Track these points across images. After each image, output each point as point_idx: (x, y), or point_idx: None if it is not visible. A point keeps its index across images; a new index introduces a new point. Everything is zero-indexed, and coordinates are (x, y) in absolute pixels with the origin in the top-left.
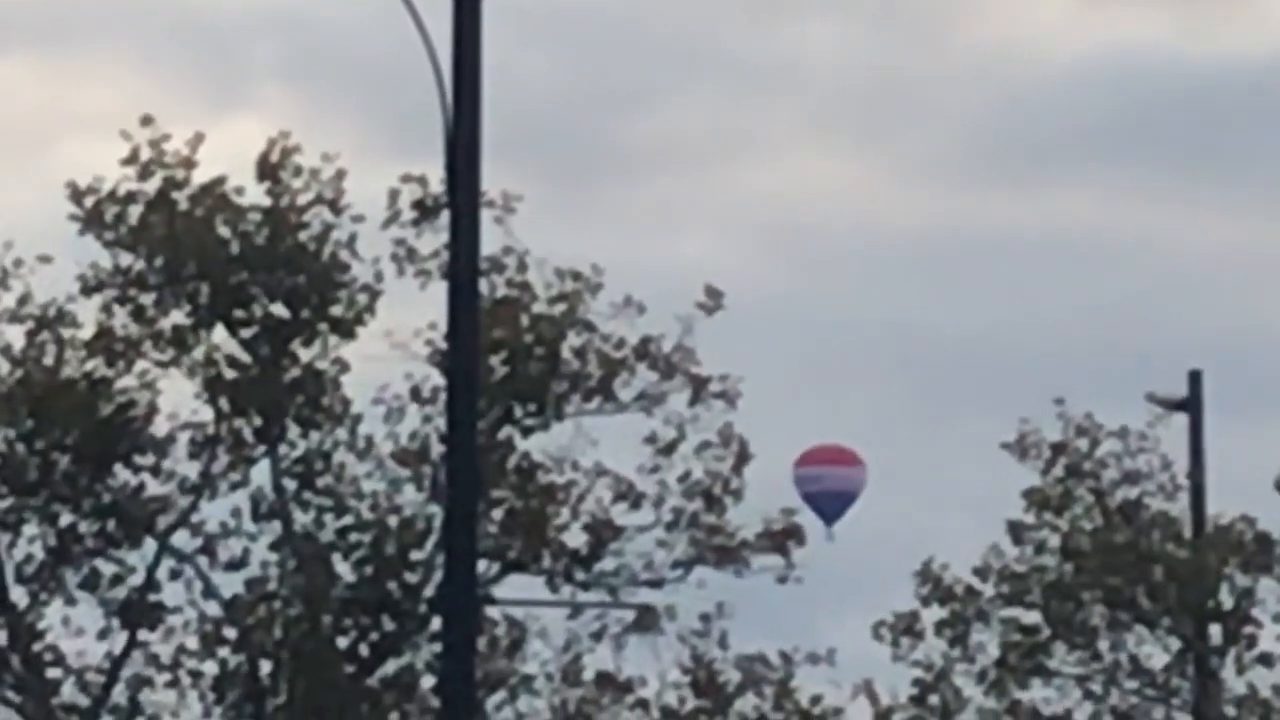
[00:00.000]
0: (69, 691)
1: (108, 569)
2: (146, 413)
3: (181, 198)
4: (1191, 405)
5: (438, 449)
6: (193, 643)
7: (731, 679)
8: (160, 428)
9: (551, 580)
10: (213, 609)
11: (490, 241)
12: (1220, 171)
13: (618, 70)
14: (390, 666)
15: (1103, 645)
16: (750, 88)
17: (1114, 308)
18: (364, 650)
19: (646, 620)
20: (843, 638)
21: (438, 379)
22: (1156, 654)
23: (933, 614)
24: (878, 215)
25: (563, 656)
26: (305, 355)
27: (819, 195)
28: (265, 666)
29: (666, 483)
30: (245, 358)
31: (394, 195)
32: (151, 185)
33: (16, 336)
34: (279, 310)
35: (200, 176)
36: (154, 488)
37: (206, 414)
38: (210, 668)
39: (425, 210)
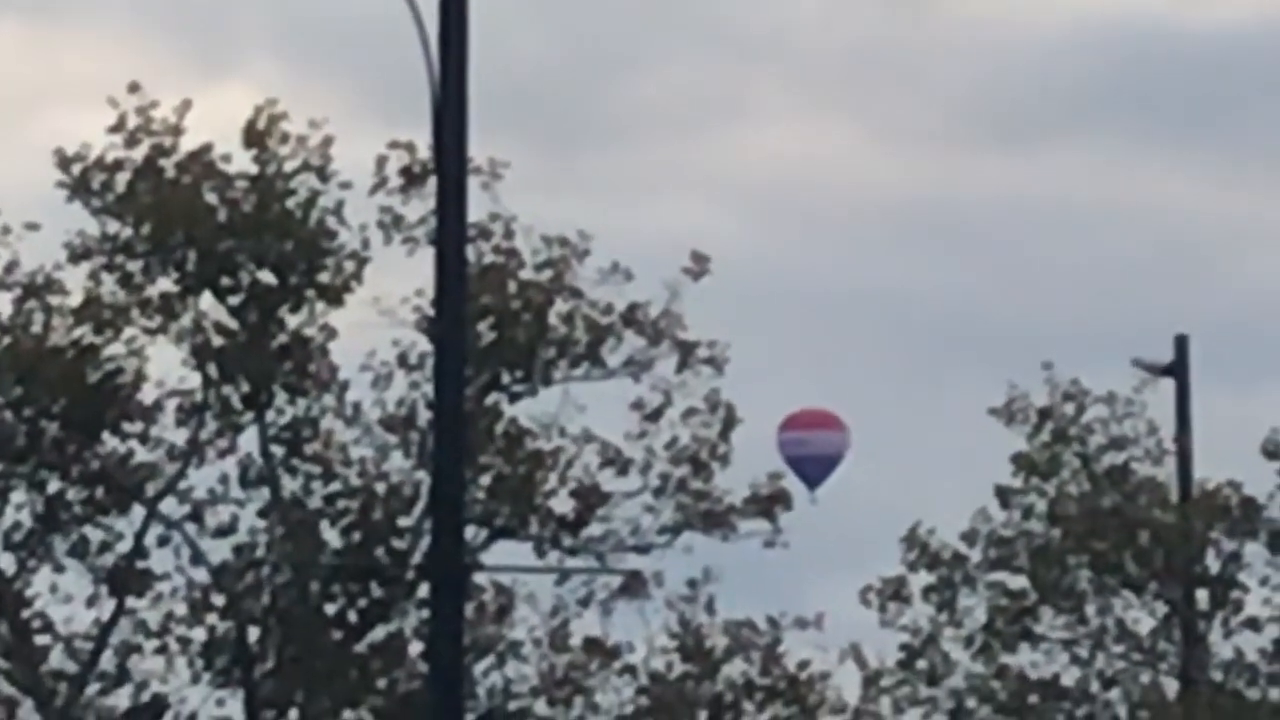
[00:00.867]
0: (57, 658)
1: (96, 536)
2: (134, 380)
3: (169, 165)
4: (1178, 370)
5: (425, 415)
6: (181, 609)
7: (719, 644)
8: (148, 395)
9: (539, 546)
10: (201, 575)
11: (477, 208)
12: (1208, 137)
13: (605, 36)
14: (378, 632)
15: (1089, 610)
16: (738, 53)
17: (1101, 273)
18: (352, 616)
19: (634, 586)
20: (830, 603)
21: (425, 345)
22: (1143, 618)
23: (920, 579)
24: (866, 180)
25: (550, 622)
26: (293, 322)
27: (807, 161)
28: (253, 633)
29: (654, 448)
30: (233, 325)
31: (381, 162)
32: (139, 153)
33: (4, 304)
34: (266, 277)
35: (187, 144)
36: (142, 455)
37: (194, 381)
38: (198, 634)
39: (412, 177)
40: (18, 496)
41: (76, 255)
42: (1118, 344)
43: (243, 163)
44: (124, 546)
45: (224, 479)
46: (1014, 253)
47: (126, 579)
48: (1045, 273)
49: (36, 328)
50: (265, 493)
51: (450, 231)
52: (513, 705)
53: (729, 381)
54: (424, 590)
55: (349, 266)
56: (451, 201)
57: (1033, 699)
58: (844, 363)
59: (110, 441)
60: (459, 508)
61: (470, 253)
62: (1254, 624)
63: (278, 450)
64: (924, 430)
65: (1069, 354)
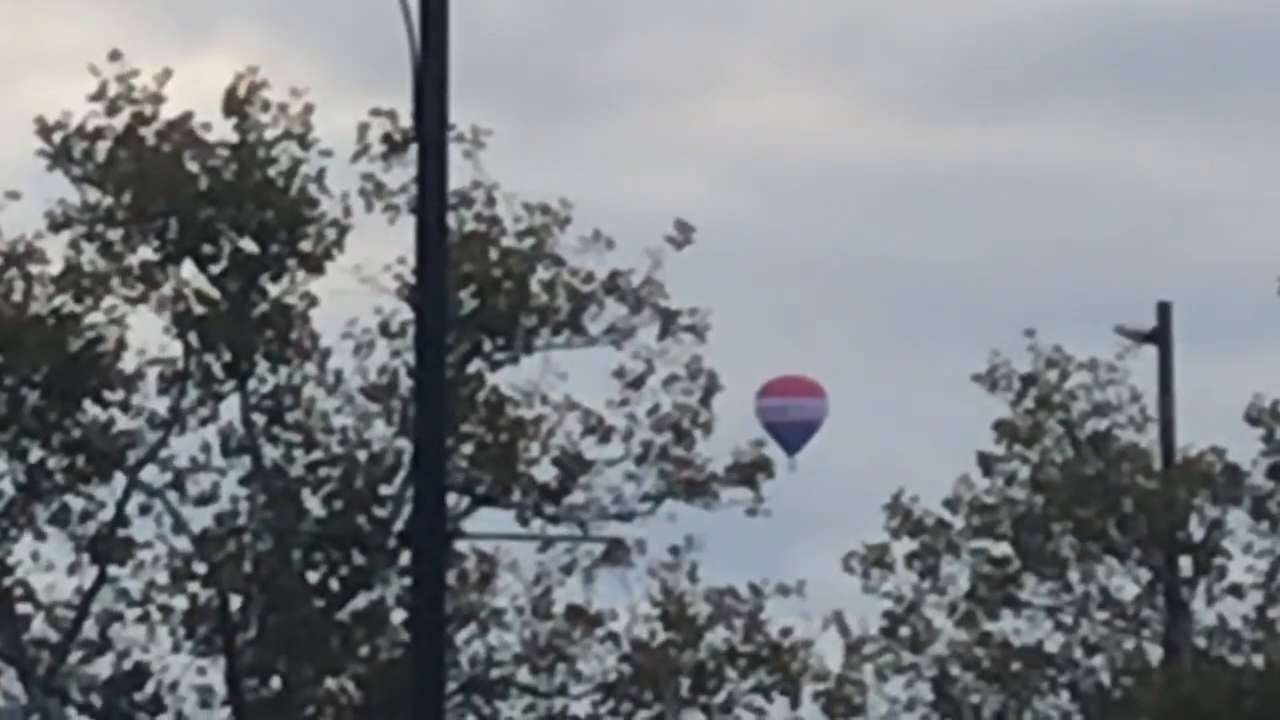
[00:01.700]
0: (39, 626)
1: (77, 504)
2: (115, 348)
3: (149, 133)
4: (1161, 337)
5: (406, 383)
6: (163, 577)
7: (701, 612)
8: (129, 363)
9: (521, 514)
10: (182, 544)
11: (459, 176)
12: (1190, 105)
13: (586, 4)
14: (360, 601)
15: (1073, 577)
16: (719, 21)
17: (1083, 240)
18: (334, 585)
19: (616, 553)
20: (813, 570)
21: (406, 313)
22: (1127, 585)
23: (903, 546)
24: (847, 149)
25: (533, 590)
26: (274, 290)
27: (788, 129)
28: (235, 601)
29: (636, 416)
30: (214, 293)
31: (363, 130)
32: (119, 121)
33: None
34: (247, 245)
35: (168, 112)
36: (123, 423)
37: (175, 349)
38: (180, 602)
39: (394, 145)
40: None
41: (57, 224)
42: (1100, 310)
43: (224, 131)
44: (105, 515)
45: (205, 447)
46: (997, 220)
47: (108, 547)
48: (1028, 239)
49: (17, 296)
50: (247, 461)
51: (432, 199)
52: (495, 673)
53: (711, 349)
54: (406, 558)
55: (330, 234)
56: (433, 169)
57: (1016, 666)
58: (827, 331)
59: (91, 410)
60: (441, 475)
61: (452, 220)
62: (1237, 590)
63: (259, 418)
64: (907, 397)
65: (1052, 320)
